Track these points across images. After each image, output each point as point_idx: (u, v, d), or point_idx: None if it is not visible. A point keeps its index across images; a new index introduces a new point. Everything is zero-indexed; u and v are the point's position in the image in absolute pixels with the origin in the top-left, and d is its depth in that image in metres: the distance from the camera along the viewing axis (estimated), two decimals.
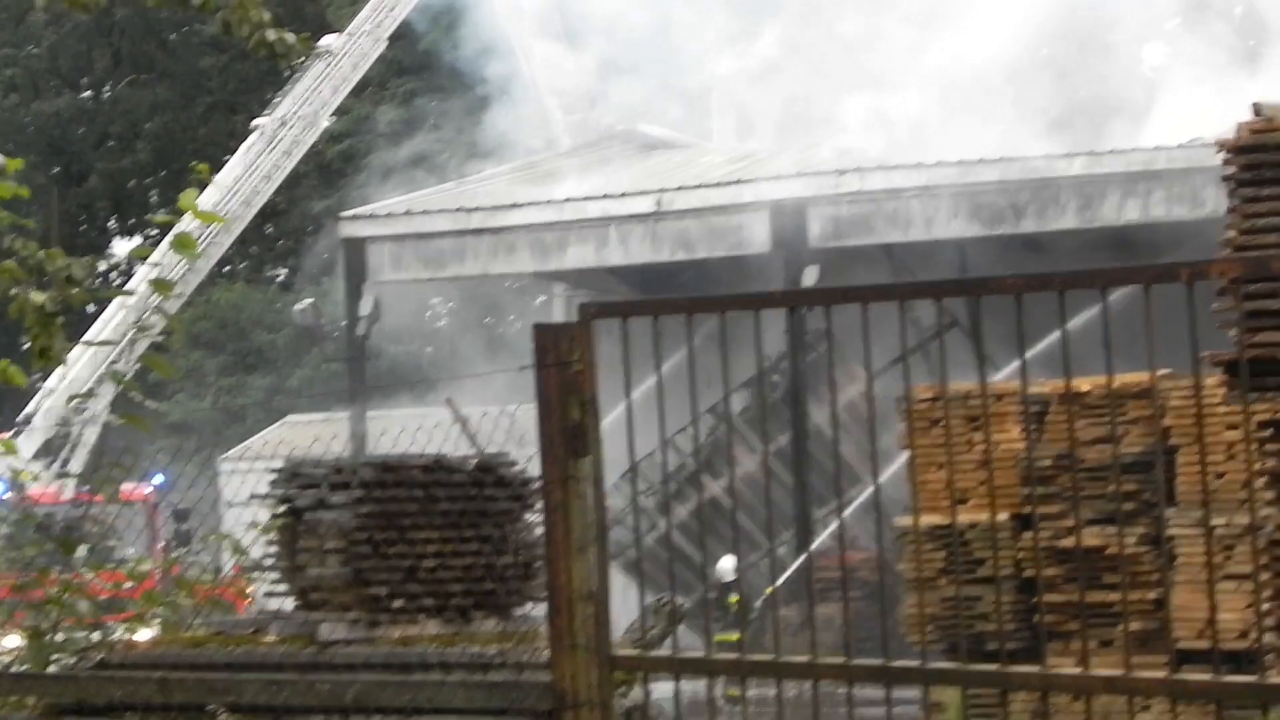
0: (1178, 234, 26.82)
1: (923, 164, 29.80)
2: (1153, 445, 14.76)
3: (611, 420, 7.50)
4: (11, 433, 30.92)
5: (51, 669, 9.00)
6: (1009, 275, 6.25)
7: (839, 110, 32.63)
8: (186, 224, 9.64)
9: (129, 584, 10.83)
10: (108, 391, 31.28)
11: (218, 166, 35.84)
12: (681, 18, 35.26)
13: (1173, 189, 28.27)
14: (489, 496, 9.56)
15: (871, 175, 30.10)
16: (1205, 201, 26.83)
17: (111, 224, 57.11)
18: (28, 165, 8.54)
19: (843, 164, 30.63)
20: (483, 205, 33.18)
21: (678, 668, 6.77)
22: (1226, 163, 11.58)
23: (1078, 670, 5.94)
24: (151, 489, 29.27)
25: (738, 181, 31.45)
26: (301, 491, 9.51)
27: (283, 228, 52.54)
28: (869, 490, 27.12)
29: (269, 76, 47.25)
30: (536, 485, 7.08)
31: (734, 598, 25.56)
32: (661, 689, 7.12)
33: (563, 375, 6.90)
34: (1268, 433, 10.69)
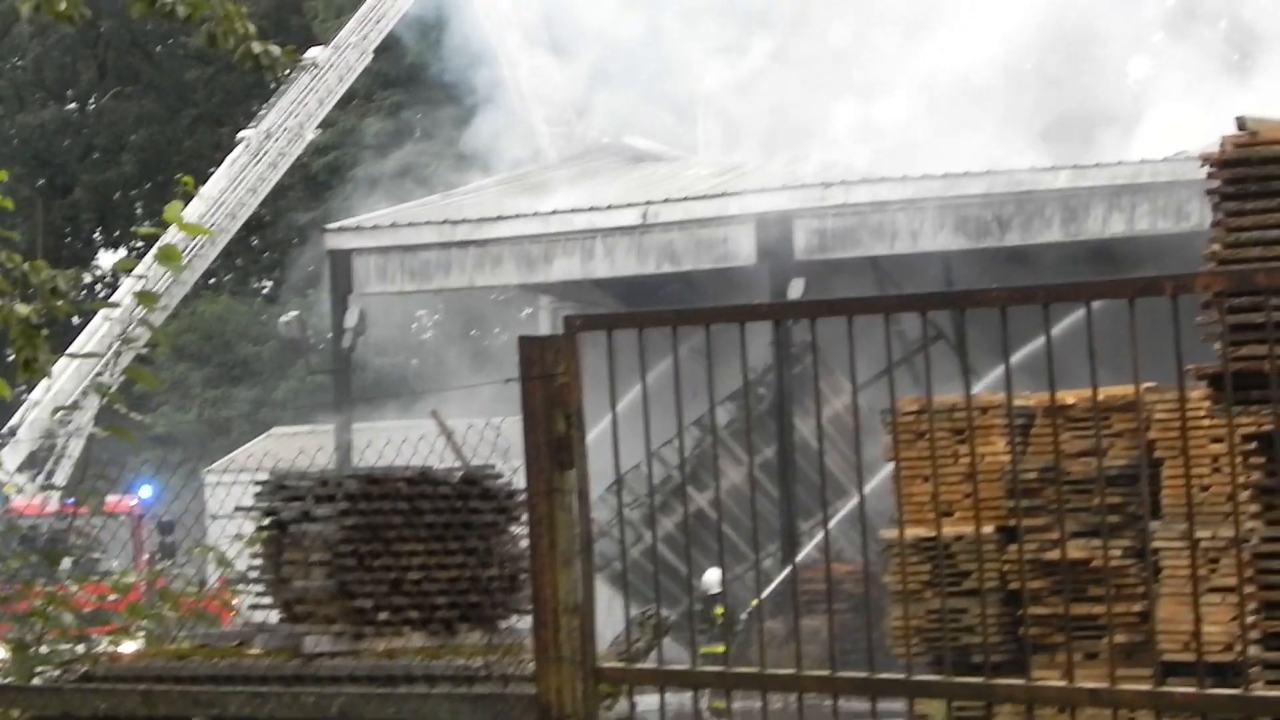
0: (1162, 247, 26.87)
1: (908, 177, 29.85)
2: (1137, 458, 14.78)
3: (597, 433, 7.51)
4: None
5: (36, 681, 8.98)
6: (994, 288, 6.27)
7: (826, 121, 32.68)
8: (171, 236, 9.64)
9: (113, 596, 10.81)
10: (92, 404, 31.24)
11: (203, 179, 35.85)
12: (668, 29, 35.30)
13: (1157, 202, 28.33)
14: (474, 509, 9.55)
15: (857, 188, 30.14)
16: (1190, 215, 26.91)
17: (97, 236, 57.06)
18: (12, 177, 8.55)
19: (828, 176, 30.68)
20: (468, 217, 33.19)
21: (663, 680, 6.78)
22: (1210, 176, 11.60)
23: (1063, 683, 5.95)
24: (137, 501, 29.23)
25: (723, 194, 31.48)
26: (286, 504, 9.50)
27: (268, 240, 52.52)
28: (854, 503, 27.15)
29: (254, 89, 47.26)
30: (522, 498, 7.09)
31: (719, 610, 25.56)
32: (647, 702, 7.12)
33: (548, 388, 6.91)
34: (1252, 446, 10.70)
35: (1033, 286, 6.27)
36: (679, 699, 7.02)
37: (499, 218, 32.82)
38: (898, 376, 23.59)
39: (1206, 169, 11.71)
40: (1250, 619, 10.43)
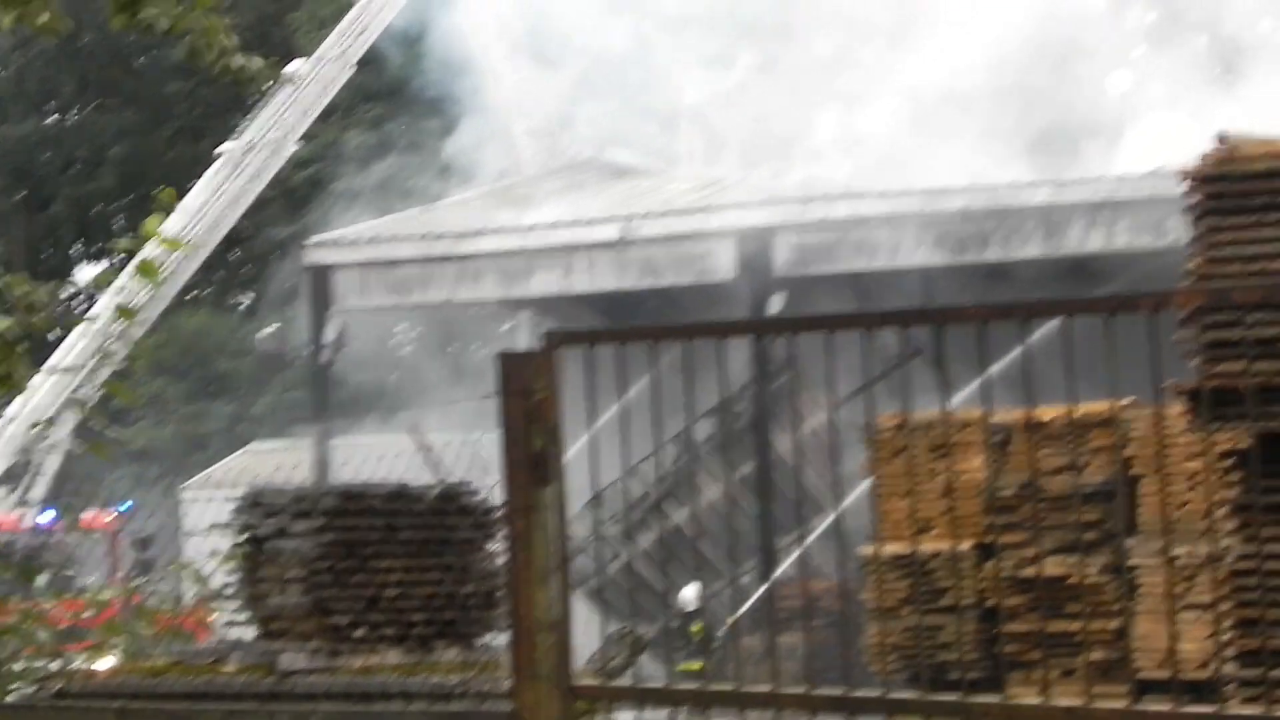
0: (1142, 263, 26.91)
1: (888, 192, 29.88)
2: (1115, 475, 14.80)
3: (578, 448, 7.50)
4: None
5: (10, 698, 8.95)
6: (973, 305, 6.27)
7: (809, 134, 32.73)
8: (151, 250, 9.62)
9: (89, 613, 10.77)
10: (70, 419, 31.16)
11: (183, 192, 35.78)
12: (651, 41, 35.32)
13: (1137, 218, 28.38)
14: (451, 525, 9.54)
15: (837, 203, 30.17)
16: (1169, 231, 26.95)
17: (76, 249, 56.95)
18: None
19: (809, 191, 30.70)
20: (448, 232, 33.16)
21: (640, 698, 6.76)
22: (1189, 192, 11.62)
23: (1039, 700, 5.95)
24: (115, 516, 29.18)
25: (704, 209, 31.49)
26: (263, 520, 9.48)
27: (248, 254, 52.44)
28: (833, 519, 27.15)
29: (236, 102, 47.18)
30: (499, 514, 7.07)
31: (697, 627, 25.54)
32: (624, 719, 7.10)
33: (526, 404, 6.89)
34: (1229, 462, 10.72)
35: (1011, 303, 6.28)
36: (656, 716, 7.00)
37: (479, 232, 32.80)
38: (877, 392, 23.58)
39: (1185, 185, 11.74)
40: (1226, 636, 10.44)
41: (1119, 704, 5.87)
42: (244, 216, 38.02)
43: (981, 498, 15.80)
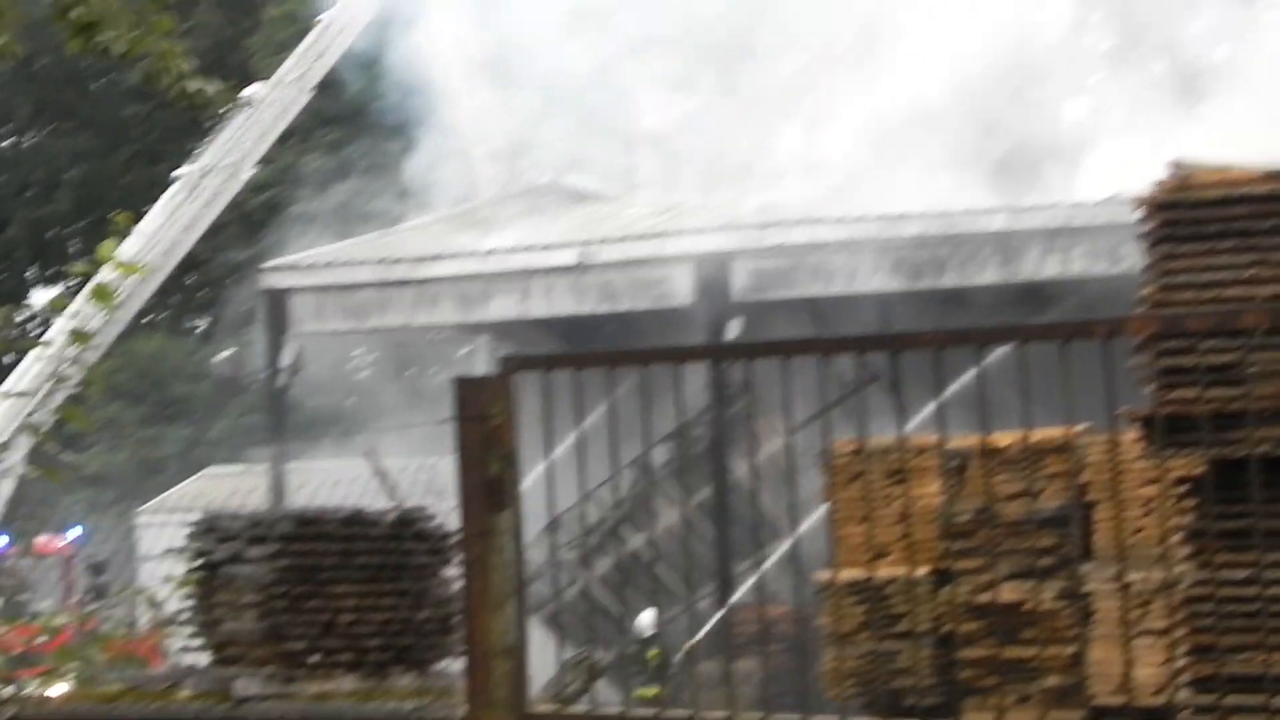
0: (1098, 289, 27.04)
1: (845, 218, 29.99)
2: (1070, 501, 14.84)
3: (535, 473, 7.50)
4: None
5: None
6: (929, 331, 6.31)
7: (769, 159, 32.83)
8: (106, 274, 9.60)
9: (43, 638, 10.72)
10: (24, 444, 31.01)
11: (140, 216, 35.68)
12: (611, 65, 35.39)
13: (1093, 244, 28.53)
14: (407, 550, 9.53)
15: (794, 229, 30.26)
16: (1125, 257, 27.08)
17: (31, 273, 56.73)
18: None
19: (767, 217, 30.78)
20: (405, 256, 33.16)
21: None
22: (1144, 219, 11.67)
23: None
24: (68, 542, 29.07)
25: (662, 234, 31.54)
26: (218, 545, 9.45)
27: (204, 278, 52.33)
28: (790, 544, 27.17)
29: (192, 126, 47.11)
30: (455, 539, 7.07)
31: (653, 653, 25.53)
32: None
33: (482, 428, 6.90)
34: (1184, 489, 10.75)
35: (967, 330, 6.32)
36: None
37: (436, 256, 32.81)
38: (834, 417, 23.63)
39: (1140, 212, 11.80)
40: (1181, 662, 10.49)
41: None
42: (201, 240, 37.95)
43: (938, 523, 15.83)
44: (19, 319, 51.84)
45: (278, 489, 31.85)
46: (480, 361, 35.75)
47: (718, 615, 28.22)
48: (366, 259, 33.44)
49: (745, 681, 22.87)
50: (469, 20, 37.71)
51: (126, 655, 10.04)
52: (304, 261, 34.07)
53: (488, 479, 6.88)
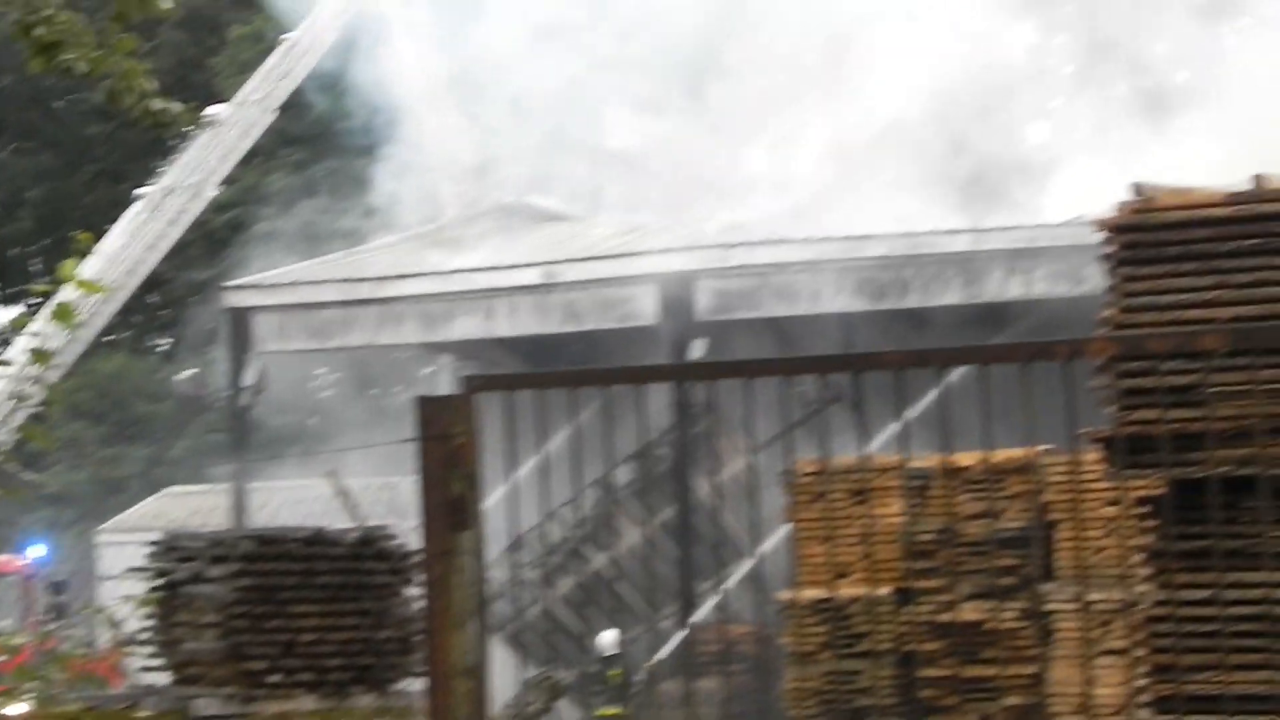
0: (1060, 310, 27.10)
1: (809, 238, 30.04)
2: (1032, 520, 14.89)
3: (499, 493, 7.50)
4: None
5: None
6: (890, 351, 6.31)
7: (735, 179, 32.87)
8: (68, 293, 9.57)
9: (2, 657, 10.66)
10: None
11: (102, 235, 35.57)
12: (576, 85, 35.41)
13: (1055, 266, 28.61)
14: (369, 570, 9.50)
15: (758, 249, 30.30)
16: (1087, 279, 27.17)
17: None
18: None
19: (730, 237, 30.82)
20: (369, 275, 33.11)
21: None
22: (1106, 241, 11.72)
23: None
24: (28, 561, 28.90)
25: (626, 254, 31.55)
26: (179, 565, 9.41)
27: (167, 297, 52.18)
28: (752, 563, 27.18)
29: (155, 145, 47.02)
30: (417, 559, 7.06)
31: (615, 672, 25.49)
32: None
33: (444, 448, 6.88)
34: (1144, 509, 10.80)
35: (930, 350, 6.32)
36: None
37: (400, 276, 32.76)
38: (798, 436, 23.64)
39: (1102, 234, 11.84)
40: (1141, 682, 10.52)
41: None
42: (163, 260, 37.84)
43: (899, 543, 15.85)
44: None
45: (239, 508, 31.74)
46: (444, 381, 35.70)
47: (680, 635, 28.20)
48: (330, 278, 33.39)
49: (707, 701, 22.88)
50: (434, 41, 37.71)
51: (86, 675, 9.99)
52: (267, 281, 34.00)
53: (450, 499, 6.86)
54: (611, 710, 24.28)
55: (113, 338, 49.65)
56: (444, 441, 6.80)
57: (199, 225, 40.68)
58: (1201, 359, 10.08)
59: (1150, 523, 10.76)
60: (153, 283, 44.83)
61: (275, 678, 9.00)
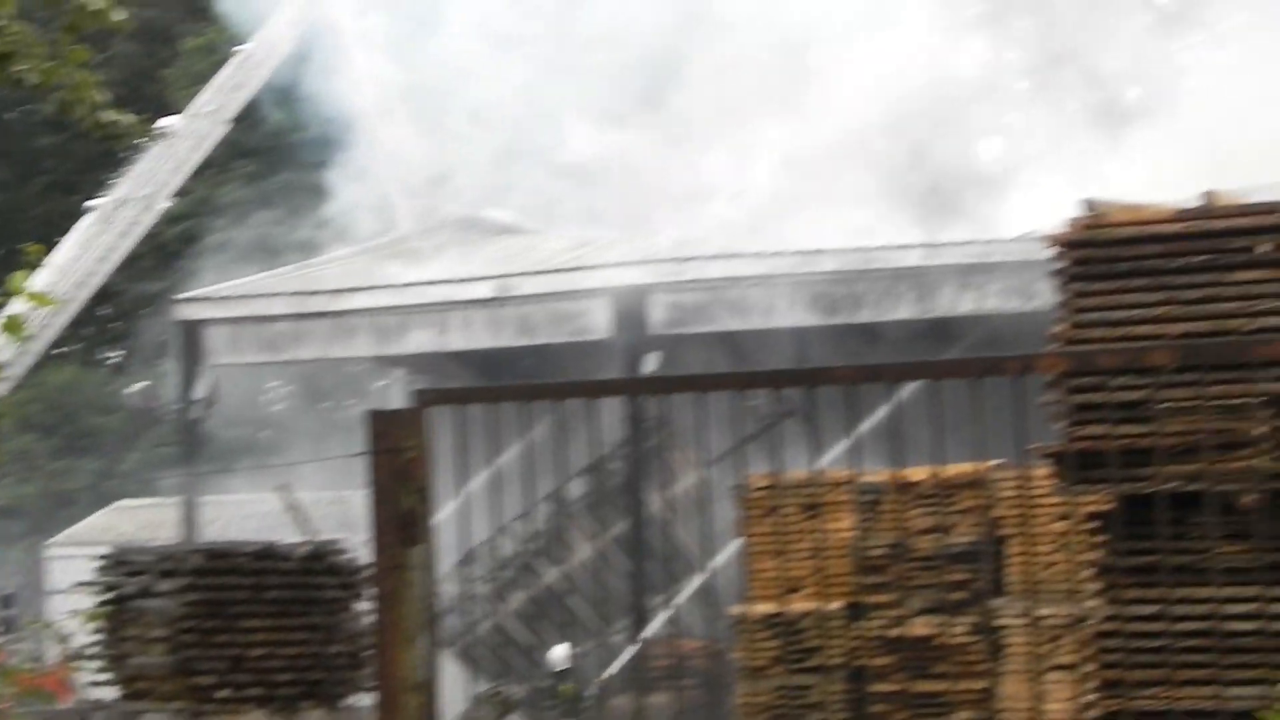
0: (1013, 325, 27.19)
1: (763, 253, 30.08)
2: (982, 535, 14.93)
3: (451, 507, 7.49)
4: None
5: None
6: (843, 366, 6.33)
7: (692, 193, 32.91)
8: (18, 306, 9.52)
9: None
10: None
11: (53, 247, 35.41)
12: (532, 98, 35.42)
13: (1007, 281, 28.69)
14: (319, 584, 9.47)
15: (712, 263, 30.33)
16: (1038, 294, 27.26)
17: None
18: None
19: (684, 251, 30.85)
20: (322, 288, 33.02)
21: None
22: (1057, 257, 11.77)
23: None
24: None
25: (580, 267, 31.55)
26: (127, 579, 9.37)
27: (118, 309, 51.97)
28: (704, 578, 27.18)
29: (107, 157, 46.85)
30: (367, 573, 7.04)
31: (567, 687, 25.46)
32: None
33: (395, 462, 6.87)
34: (1094, 524, 10.84)
35: (881, 365, 6.34)
36: None
37: (353, 289, 32.68)
38: (750, 451, 23.66)
39: (1053, 250, 11.89)
40: (1090, 697, 10.55)
41: None
42: (115, 272, 37.69)
43: (851, 558, 15.88)
44: None
45: (189, 522, 31.61)
46: (396, 395, 35.62)
47: (631, 649, 28.19)
48: (282, 291, 33.29)
49: (658, 716, 22.87)
50: (389, 53, 37.68)
51: (34, 689, 9.93)
52: (219, 293, 33.89)
53: (401, 513, 6.85)
54: None
55: (64, 350, 49.41)
56: (395, 455, 6.79)
57: (151, 237, 40.54)
58: (1151, 375, 10.13)
59: (1100, 538, 10.80)
60: (104, 295, 44.65)
61: (224, 693, 8.96)
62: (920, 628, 15.00)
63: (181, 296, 34.32)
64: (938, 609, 14.93)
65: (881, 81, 32.34)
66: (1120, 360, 9.92)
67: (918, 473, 14.79)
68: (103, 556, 9.44)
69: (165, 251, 46.58)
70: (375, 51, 38.00)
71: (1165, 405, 10.36)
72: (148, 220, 36.66)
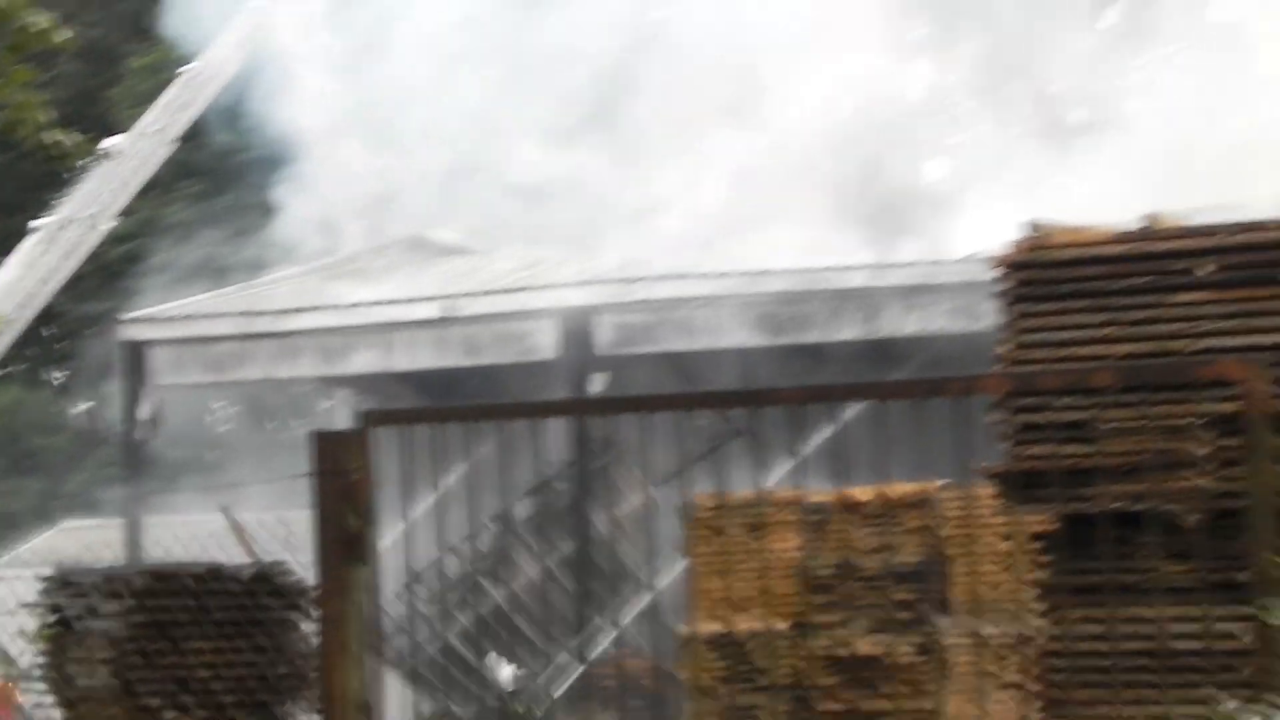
0: (957, 346, 27.30)
1: (709, 273, 30.15)
2: (928, 555, 14.98)
3: (397, 528, 7.49)
4: None
5: None
6: (788, 386, 6.36)
7: (639, 212, 32.96)
8: None
9: None
10: None
11: None
12: (480, 118, 35.42)
13: (952, 302, 28.81)
14: (264, 606, 9.46)
15: (659, 284, 30.38)
16: (983, 315, 27.37)
17: None
18: None
19: (631, 271, 30.90)
20: (267, 309, 32.94)
21: None
22: (1000, 278, 11.81)
23: None
24: None
25: (526, 288, 31.55)
26: (72, 600, 9.34)
27: (62, 330, 51.71)
28: (650, 597, 27.19)
29: (51, 177, 46.65)
30: (313, 594, 7.04)
31: (514, 706, 25.42)
32: None
33: (340, 484, 6.87)
34: (1038, 544, 10.88)
35: (827, 385, 6.39)
36: None
37: (298, 309, 32.61)
38: (698, 470, 23.70)
39: (997, 271, 11.94)
40: (1035, 715, 10.59)
41: None
42: (59, 292, 37.52)
43: (797, 577, 15.91)
44: None
45: (134, 543, 31.47)
46: (342, 416, 35.53)
47: (578, 668, 28.16)
48: (227, 311, 33.19)
49: None
50: (337, 74, 37.64)
51: None
52: (163, 314, 33.77)
53: (345, 534, 6.85)
54: None
55: (7, 370, 49.14)
56: (340, 477, 6.79)
57: (95, 257, 40.38)
58: (1094, 395, 10.19)
59: (1044, 557, 10.84)
60: (48, 315, 44.44)
61: (170, 714, 8.95)
62: (866, 647, 15.04)
63: (126, 317, 34.18)
64: (884, 628, 14.97)
65: (831, 101, 32.46)
66: (1064, 381, 9.99)
67: (864, 492, 14.84)
68: (47, 578, 9.42)
69: (110, 272, 46.39)
70: (322, 71, 37.96)
71: (1108, 426, 10.42)
72: (92, 240, 36.52)
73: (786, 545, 16.28)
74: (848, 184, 32.32)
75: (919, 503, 14.97)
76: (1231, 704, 8.41)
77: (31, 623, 9.71)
